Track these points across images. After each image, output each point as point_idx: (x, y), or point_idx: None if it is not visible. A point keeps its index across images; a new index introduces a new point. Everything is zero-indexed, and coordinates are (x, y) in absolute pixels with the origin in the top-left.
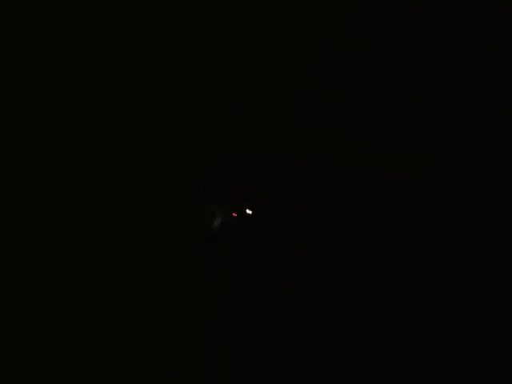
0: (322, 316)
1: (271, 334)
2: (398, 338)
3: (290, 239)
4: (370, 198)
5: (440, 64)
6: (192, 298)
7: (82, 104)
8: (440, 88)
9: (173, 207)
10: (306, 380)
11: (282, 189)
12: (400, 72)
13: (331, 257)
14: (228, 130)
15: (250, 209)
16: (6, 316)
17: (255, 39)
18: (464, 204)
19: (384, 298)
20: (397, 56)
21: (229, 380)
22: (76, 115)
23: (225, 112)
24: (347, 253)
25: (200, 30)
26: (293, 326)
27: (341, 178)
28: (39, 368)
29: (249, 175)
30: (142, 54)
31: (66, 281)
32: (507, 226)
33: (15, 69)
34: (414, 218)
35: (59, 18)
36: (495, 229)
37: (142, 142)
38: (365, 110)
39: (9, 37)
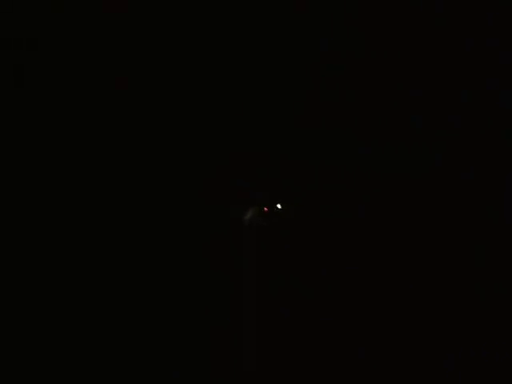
0: (322, 316)
1: (271, 334)
2: (398, 338)
3: (289, 239)
4: (370, 197)
5: (440, 64)
6: (193, 298)
7: (83, 104)
8: (440, 88)
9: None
10: (306, 380)
11: (282, 189)
12: (400, 72)
13: (331, 256)
14: (228, 130)
15: (280, 204)
16: (5, 316)
17: (255, 39)
18: (464, 204)
19: (384, 297)
20: (397, 56)
21: (229, 380)
22: (76, 115)
23: (225, 112)
24: (347, 253)
25: (200, 31)
26: (293, 326)
27: (341, 177)
28: (39, 368)
29: (250, 176)
30: (142, 55)
31: (69, 281)
32: (507, 226)
33: (16, 69)
34: (414, 217)
35: (59, 18)
36: (495, 229)
37: (143, 143)
38: (365, 109)
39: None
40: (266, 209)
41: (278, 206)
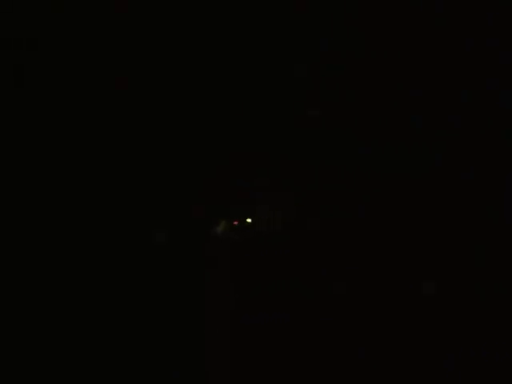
0: (322, 316)
1: (271, 334)
2: (397, 338)
3: (289, 239)
4: (370, 198)
5: (440, 64)
6: (192, 300)
7: (83, 104)
8: (440, 88)
9: (172, 209)
10: (306, 380)
11: (282, 189)
12: (400, 72)
13: (331, 257)
14: (228, 130)
15: (249, 218)
16: (6, 316)
17: (255, 39)
18: (464, 204)
19: (384, 298)
20: (397, 56)
21: (228, 380)
22: (76, 115)
23: (225, 112)
24: (347, 253)
25: (200, 31)
26: (292, 326)
27: (341, 177)
28: (39, 368)
29: (249, 176)
30: (142, 55)
31: (63, 279)
32: (507, 226)
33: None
34: (414, 217)
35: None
36: (495, 229)
37: (143, 143)
38: (365, 109)
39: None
40: (235, 222)
41: (248, 220)
